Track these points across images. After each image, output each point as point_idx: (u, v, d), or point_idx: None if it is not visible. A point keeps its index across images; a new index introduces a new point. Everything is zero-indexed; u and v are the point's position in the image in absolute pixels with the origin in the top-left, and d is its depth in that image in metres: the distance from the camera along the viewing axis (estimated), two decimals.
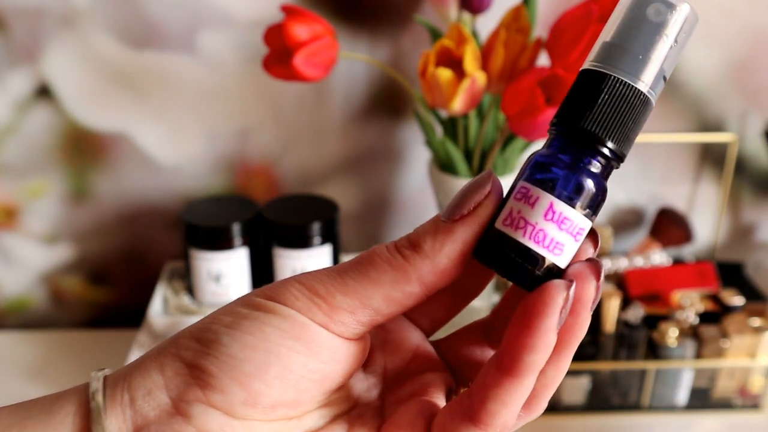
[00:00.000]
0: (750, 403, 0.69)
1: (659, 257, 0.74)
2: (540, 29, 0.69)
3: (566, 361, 0.26)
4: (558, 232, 0.26)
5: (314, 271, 0.27)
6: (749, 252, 0.83)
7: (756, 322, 0.68)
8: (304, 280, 0.27)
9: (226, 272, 0.69)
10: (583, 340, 0.67)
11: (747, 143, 0.78)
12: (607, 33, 0.27)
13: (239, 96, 0.74)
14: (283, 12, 0.61)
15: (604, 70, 0.27)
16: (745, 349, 0.67)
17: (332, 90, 0.74)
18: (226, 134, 0.76)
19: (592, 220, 0.27)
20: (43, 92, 0.73)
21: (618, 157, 0.27)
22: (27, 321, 0.83)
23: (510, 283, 0.29)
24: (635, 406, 0.69)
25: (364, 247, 0.82)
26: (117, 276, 0.81)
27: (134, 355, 0.67)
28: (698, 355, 0.68)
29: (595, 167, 0.27)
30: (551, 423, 0.68)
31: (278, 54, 0.60)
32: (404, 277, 0.26)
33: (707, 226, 0.81)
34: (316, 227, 0.67)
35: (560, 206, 0.26)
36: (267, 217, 0.68)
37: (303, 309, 0.26)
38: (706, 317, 0.69)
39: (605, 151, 0.26)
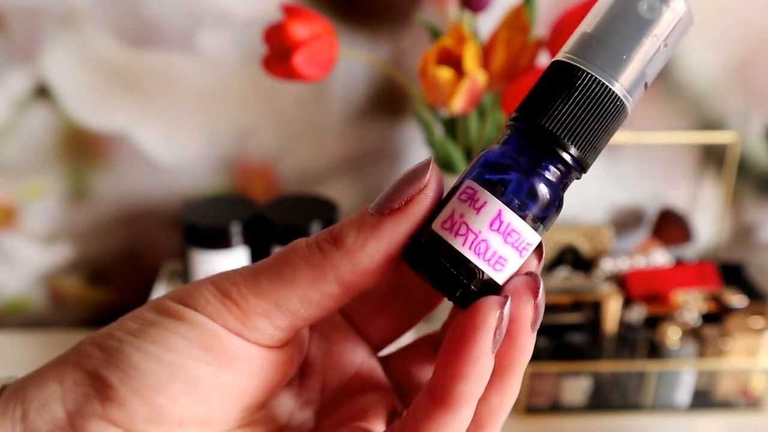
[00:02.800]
0: (751, 403, 0.69)
1: (660, 257, 0.74)
2: (540, 28, 0.68)
3: (511, 387, 0.24)
4: (502, 245, 0.23)
5: (230, 271, 0.24)
6: (750, 252, 0.83)
7: (757, 322, 0.67)
8: (218, 281, 0.24)
9: None
10: (583, 341, 0.67)
11: (748, 143, 0.78)
12: (589, 23, 0.24)
13: (239, 96, 0.74)
14: (282, 11, 0.60)
15: (578, 64, 0.23)
16: (746, 350, 0.67)
17: (332, 90, 0.74)
18: (225, 134, 0.76)
19: (541, 234, 0.23)
20: (42, 92, 0.73)
21: (580, 167, 0.23)
22: (26, 321, 0.82)
23: None
24: (636, 407, 0.69)
25: None
26: (116, 276, 0.81)
27: None
28: (699, 356, 0.67)
29: (553, 175, 0.23)
30: (552, 423, 0.68)
31: (278, 54, 0.60)
32: (321, 276, 0.23)
33: (708, 226, 0.81)
34: (316, 227, 0.67)
35: (509, 216, 0.23)
36: (267, 217, 0.68)
37: (213, 314, 0.23)
38: (707, 318, 0.69)
39: (566, 157, 0.23)
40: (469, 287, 0.23)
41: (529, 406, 0.68)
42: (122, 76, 0.72)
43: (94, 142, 0.75)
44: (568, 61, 0.23)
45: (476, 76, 0.58)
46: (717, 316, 0.69)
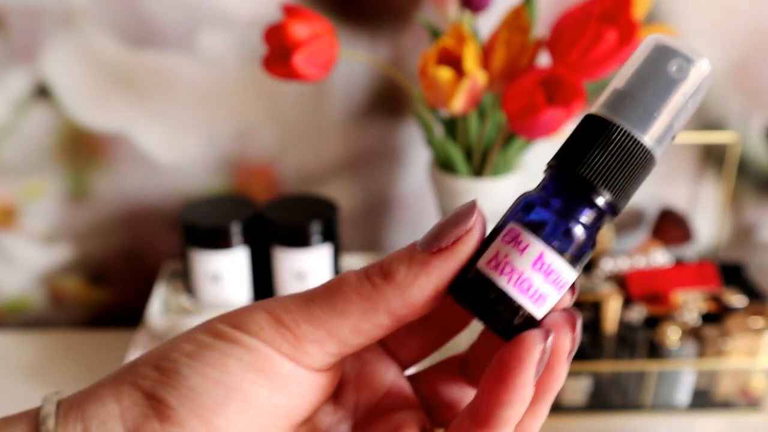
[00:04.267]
0: (751, 403, 0.69)
1: (660, 257, 0.73)
2: (541, 28, 0.68)
3: (543, 412, 0.26)
4: (544, 283, 0.25)
5: (280, 298, 0.26)
6: (750, 252, 0.83)
7: (757, 322, 0.67)
8: (270, 308, 0.25)
9: (226, 272, 0.68)
10: (583, 341, 0.67)
11: (748, 143, 0.78)
12: (620, 80, 0.26)
13: (239, 96, 0.74)
14: (282, 11, 0.60)
15: (611, 118, 0.25)
16: (746, 350, 0.67)
17: (332, 90, 0.74)
18: (225, 134, 0.76)
19: (577, 272, 0.26)
20: (42, 92, 0.73)
21: (612, 211, 0.26)
22: (26, 321, 0.82)
23: None
24: (636, 407, 0.69)
25: (364, 247, 0.81)
26: (116, 276, 0.81)
27: (133, 356, 0.67)
28: (699, 356, 0.67)
29: (587, 218, 0.25)
30: (552, 424, 0.68)
31: (278, 53, 0.60)
32: (372, 308, 0.25)
33: (708, 226, 0.81)
34: (316, 227, 0.67)
35: (551, 257, 0.25)
36: (267, 217, 0.68)
37: (268, 339, 0.25)
38: (707, 318, 0.69)
39: (600, 202, 0.25)
40: (512, 322, 0.25)
41: None
42: (122, 76, 0.72)
43: (94, 142, 0.75)
44: (603, 116, 0.25)
45: (476, 76, 0.58)
46: (717, 316, 0.69)
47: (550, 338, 0.24)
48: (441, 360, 0.30)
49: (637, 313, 0.68)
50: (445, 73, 0.58)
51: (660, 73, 0.25)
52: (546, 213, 0.25)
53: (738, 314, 0.68)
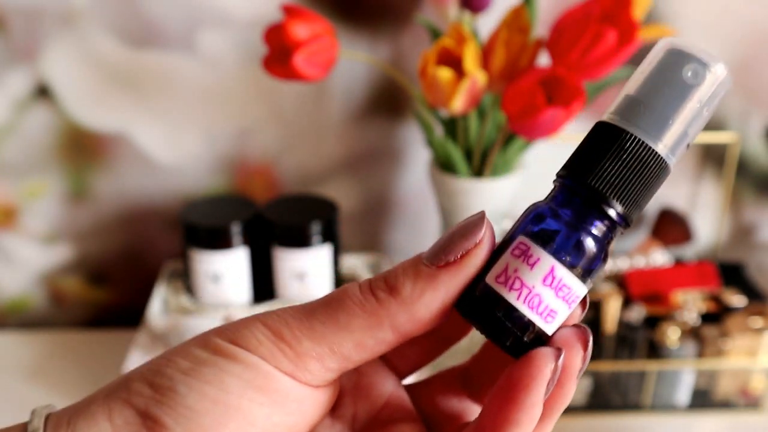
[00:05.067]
0: (751, 403, 0.69)
1: (660, 257, 0.74)
2: (541, 28, 0.68)
3: (550, 427, 0.25)
4: (554, 299, 0.24)
5: (280, 311, 0.25)
6: (750, 252, 0.83)
7: (757, 322, 0.67)
8: (270, 322, 0.24)
9: (226, 272, 0.68)
10: None
11: (748, 143, 0.78)
12: (632, 86, 0.25)
13: (239, 96, 0.74)
14: (283, 11, 0.60)
15: (623, 126, 0.24)
16: (746, 350, 0.67)
17: (332, 90, 0.74)
18: (225, 134, 0.76)
19: (588, 287, 0.25)
20: (42, 92, 0.73)
21: (625, 222, 0.25)
22: (26, 321, 0.82)
23: None
24: (636, 407, 0.69)
25: (364, 247, 0.81)
26: (116, 276, 0.81)
27: (133, 356, 0.67)
28: (699, 356, 0.67)
29: (599, 230, 0.24)
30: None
31: (278, 54, 0.60)
32: (377, 323, 0.24)
33: (708, 226, 0.81)
34: (316, 227, 0.67)
35: (561, 272, 0.24)
36: (267, 217, 0.68)
37: (267, 356, 0.24)
38: (707, 317, 0.69)
39: (611, 213, 0.24)
40: (522, 339, 0.24)
41: None
42: (122, 76, 0.72)
43: (94, 142, 0.75)
44: (615, 123, 0.24)
45: (476, 76, 0.58)
46: (717, 316, 0.69)
47: (562, 357, 0.23)
48: (441, 371, 0.30)
49: (637, 313, 0.68)
50: (445, 73, 0.58)
51: (674, 78, 0.24)
52: (556, 225, 0.24)
53: (737, 314, 0.68)
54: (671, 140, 0.24)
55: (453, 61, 0.59)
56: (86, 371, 0.73)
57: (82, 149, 0.75)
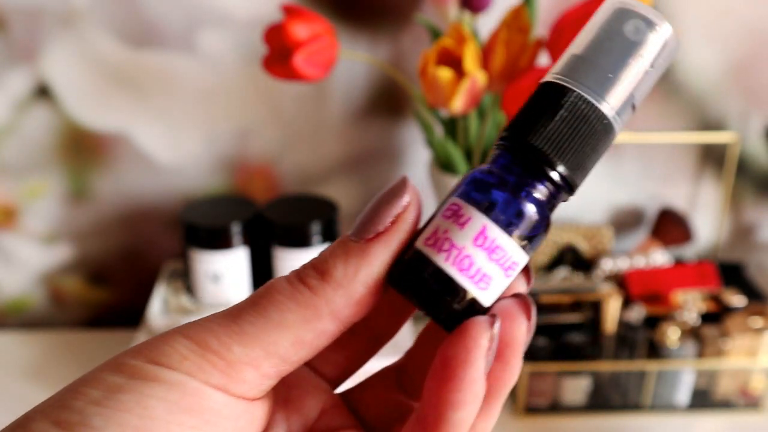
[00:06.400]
0: (751, 403, 0.69)
1: (660, 257, 0.74)
2: (540, 28, 0.68)
3: (495, 412, 0.23)
4: (487, 262, 0.22)
5: (202, 320, 0.22)
6: (750, 252, 0.83)
7: (757, 322, 0.67)
8: (192, 333, 0.21)
9: (226, 272, 0.68)
10: (583, 341, 0.67)
11: (748, 143, 0.78)
12: (578, 45, 0.24)
13: (239, 96, 0.74)
14: (283, 11, 0.60)
15: (567, 84, 0.23)
16: (745, 350, 0.67)
17: (332, 90, 0.74)
18: (225, 134, 0.76)
19: (528, 254, 0.23)
20: (43, 92, 0.73)
21: (569, 186, 0.23)
22: (26, 321, 0.82)
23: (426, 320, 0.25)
24: (636, 407, 0.69)
25: None
26: (116, 276, 0.81)
27: None
28: (699, 356, 0.67)
29: (541, 193, 0.23)
30: (552, 423, 0.68)
31: (278, 54, 0.60)
32: (315, 314, 0.22)
33: (708, 226, 0.81)
34: (316, 227, 0.67)
35: (494, 232, 0.22)
36: (267, 217, 0.68)
37: (194, 370, 0.21)
38: (706, 317, 0.69)
39: (554, 176, 0.23)
40: (452, 306, 0.22)
41: (528, 406, 0.68)
42: (122, 76, 0.72)
43: (94, 142, 0.75)
44: (556, 81, 0.23)
45: (476, 76, 0.58)
46: (716, 315, 0.69)
47: (497, 324, 0.21)
48: (375, 372, 0.27)
49: (637, 313, 0.68)
50: (445, 73, 0.58)
51: (617, 35, 0.23)
52: (495, 188, 0.23)
53: (737, 314, 0.68)
54: (616, 100, 0.23)
55: (453, 61, 0.59)
56: (86, 371, 0.73)
57: (82, 149, 0.75)
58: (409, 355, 0.26)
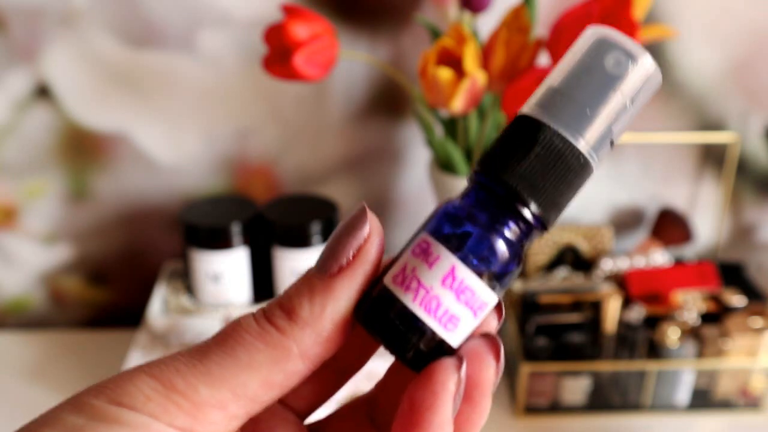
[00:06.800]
0: (751, 403, 0.69)
1: (660, 257, 0.74)
2: (540, 29, 0.68)
3: None
4: (455, 303, 0.21)
5: (167, 358, 0.21)
6: (750, 252, 0.83)
7: (757, 322, 0.67)
8: (157, 372, 0.21)
9: (226, 272, 0.68)
10: (583, 341, 0.67)
11: (748, 143, 0.78)
12: (556, 76, 0.23)
13: (239, 96, 0.74)
14: (283, 11, 0.60)
15: (543, 119, 0.22)
16: (746, 350, 0.67)
17: (332, 90, 0.74)
18: (225, 134, 0.76)
19: (498, 294, 0.22)
20: (43, 92, 0.73)
21: (541, 225, 0.22)
22: (26, 321, 0.82)
23: None
24: (636, 407, 0.69)
25: None
26: (116, 276, 0.81)
27: (133, 356, 0.67)
28: (699, 356, 0.67)
29: (513, 233, 0.22)
30: (552, 423, 0.68)
31: (278, 54, 0.60)
32: (284, 355, 0.21)
33: (708, 226, 0.81)
34: (316, 227, 0.67)
35: (463, 272, 0.21)
36: (267, 217, 0.68)
37: (158, 412, 0.20)
38: (706, 317, 0.69)
39: (527, 214, 0.22)
40: (419, 347, 0.22)
41: (528, 406, 0.68)
42: (122, 76, 0.72)
43: (94, 142, 0.75)
44: (533, 116, 0.22)
45: (476, 76, 0.58)
46: (716, 315, 0.69)
47: (464, 367, 0.21)
48: (345, 404, 0.27)
49: (637, 313, 0.68)
50: (445, 73, 0.58)
51: (596, 68, 0.22)
52: (467, 225, 0.22)
53: (737, 314, 0.68)
54: (593, 136, 0.22)
55: (453, 61, 0.59)
56: (86, 371, 0.73)
57: (82, 149, 0.75)
58: (380, 386, 0.26)
